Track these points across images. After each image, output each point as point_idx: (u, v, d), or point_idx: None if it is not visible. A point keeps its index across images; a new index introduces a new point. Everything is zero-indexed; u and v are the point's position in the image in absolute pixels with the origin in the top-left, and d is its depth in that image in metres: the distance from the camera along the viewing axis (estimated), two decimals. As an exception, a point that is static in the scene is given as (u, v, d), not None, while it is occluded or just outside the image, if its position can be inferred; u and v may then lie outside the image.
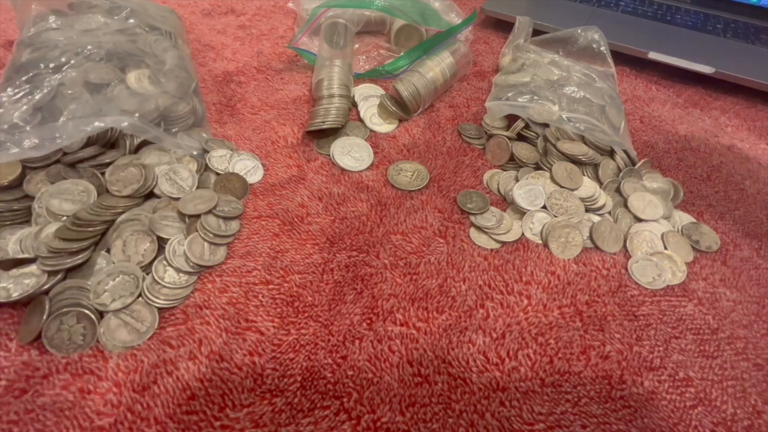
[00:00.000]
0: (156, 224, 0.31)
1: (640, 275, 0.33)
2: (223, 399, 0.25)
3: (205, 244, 0.31)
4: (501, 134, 0.42)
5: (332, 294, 0.31)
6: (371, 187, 0.38)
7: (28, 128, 0.33)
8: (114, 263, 0.29)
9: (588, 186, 0.38)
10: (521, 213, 0.37)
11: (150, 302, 0.28)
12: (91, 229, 0.29)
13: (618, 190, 0.39)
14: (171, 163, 0.35)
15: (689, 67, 0.54)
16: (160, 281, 0.29)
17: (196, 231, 0.31)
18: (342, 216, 0.36)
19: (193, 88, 0.41)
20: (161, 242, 0.31)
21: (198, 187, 0.35)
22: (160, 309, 0.28)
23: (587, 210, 0.37)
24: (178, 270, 0.30)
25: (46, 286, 0.27)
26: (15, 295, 0.27)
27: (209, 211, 0.32)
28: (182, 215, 0.32)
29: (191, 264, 0.30)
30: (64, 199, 0.31)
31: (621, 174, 0.40)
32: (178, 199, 0.33)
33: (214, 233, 0.31)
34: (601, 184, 0.39)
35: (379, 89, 0.48)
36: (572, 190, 0.37)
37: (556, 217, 0.36)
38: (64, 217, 0.30)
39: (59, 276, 0.28)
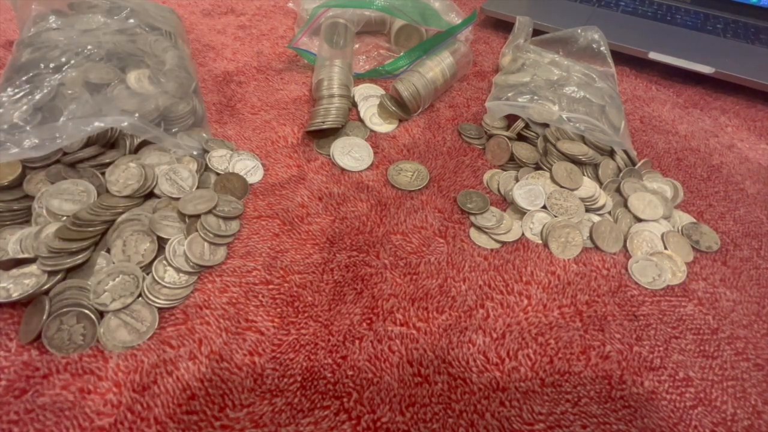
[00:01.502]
0: (156, 224, 0.31)
1: (640, 275, 0.33)
2: (223, 399, 0.25)
3: (205, 244, 0.31)
4: (501, 134, 0.42)
5: (332, 294, 0.31)
6: (371, 187, 0.38)
7: (28, 128, 0.33)
8: (114, 263, 0.29)
9: (588, 186, 0.38)
10: (521, 213, 0.37)
11: (150, 302, 0.28)
12: (91, 229, 0.29)
13: (618, 190, 0.39)
14: (171, 163, 0.35)
15: (689, 67, 0.54)
16: (160, 281, 0.29)
17: (196, 231, 0.31)
18: (342, 216, 0.36)
19: (193, 88, 0.41)
20: (161, 242, 0.31)
21: (198, 187, 0.35)
22: (160, 309, 0.28)
23: (587, 210, 0.37)
24: (178, 270, 0.30)
25: (46, 286, 0.27)
26: (15, 295, 0.27)
27: (209, 211, 0.32)
28: (182, 215, 0.32)
29: (191, 264, 0.30)
30: (64, 199, 0.31)
31: (621, 174, 0.40)
32: (178, 199, 0.33)
33: (214, 233, 0.31)
34: (601, 184, 0.39)
35: (379, 89, 0.48)
36: (572, 190, 0.37)
37: (556, 217, 0.36)
38: (64, 217, 0.30)
39: (59, 276, 0.28)
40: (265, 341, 0.28)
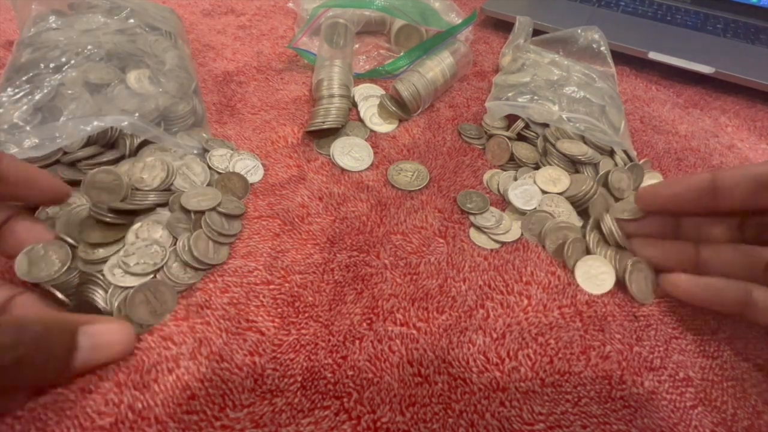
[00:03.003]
0: (174, 227, 0.31)
1: (635, 288, 0.33)
2: (224, 399, 0.25)
3: (210, 242, 0.31)
4: (501, 134, 0.42)
5: (333, 294, 0.31)
6: (371, 187, 0.38)
7: (28, 128, 0.33)
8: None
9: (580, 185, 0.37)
10: (520, 213, 0.37)
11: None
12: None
13: (606, 184, 0.39)
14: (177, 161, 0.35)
15: (689, 67, 0.54)
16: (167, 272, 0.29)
17: (201, 228, 0.31)
18: (342, 216, 0.36)
19: (193, 88, 0.41)
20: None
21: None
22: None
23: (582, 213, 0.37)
24: (185, 264, 0.30)
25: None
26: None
27: (213, 209, 0.32)
28: (186, 210, 0.32)
29: (197, 261, 0.30)
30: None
31: (611, 170, 0.39)
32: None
33: (218, 231, 0.31)
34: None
35: (379, 89, 0.48)
36: (560, 194, 0.37)
37: (553, 218, 0.36)
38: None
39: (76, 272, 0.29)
40: (266, 341, 0.28)
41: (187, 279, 0.30)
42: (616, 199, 0.37)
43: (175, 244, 0.30)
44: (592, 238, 0.34)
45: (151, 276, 0.29)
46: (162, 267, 0.29)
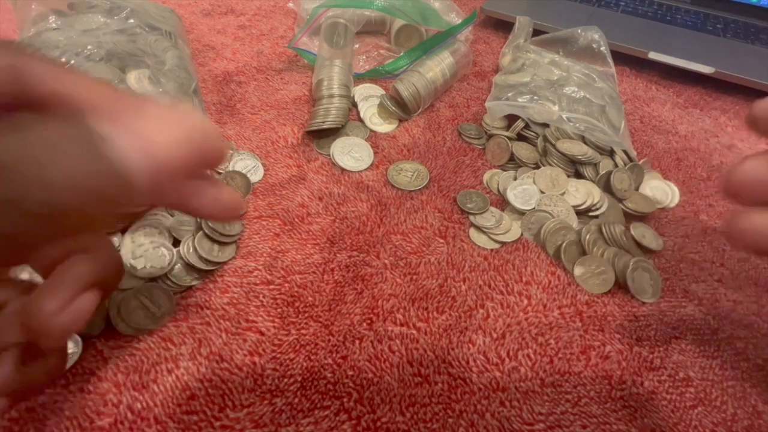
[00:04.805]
0: (177, 230, 0.31)
1: (637, 291, 0.33)
2: (224, 399, 0.25)
3: (214, 245, 0.31)
4: (501, 134, 0.42)
5: (333, 294, 0.31)
6: (371, 187, 0.38)
7: (28, 128, 0.33)
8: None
9: (580, 191, 0.37)
10: (519, 213, 0.37)
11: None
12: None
13: (609, 187, 0.38)
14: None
15: (689, 67, 0.54)
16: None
17: (201, 229, 0.31)
18: (342, 216, 0.36)
19: (193, 88, 0.41)
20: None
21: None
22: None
23: (581, 214, 0.37)
24: (190, 267, 0.30)
25: None
26: None
27: None
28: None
29: (203, 260, 0.30)
30: None
31: (614, 171, 0.39)
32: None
33: (220, 231, 0.31)
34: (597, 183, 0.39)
35: (379, 89, 0.48)
36: (560, 194, 0.37)
37: (552, 217, 0.36)
38: None
39: None
40: (266, 341, 0.28)
41: (189, 281, 0.29)
42: (620, 201, 0.37)
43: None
44: (587, 239, 0.34)
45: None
46: (168, 270, 0.29)
